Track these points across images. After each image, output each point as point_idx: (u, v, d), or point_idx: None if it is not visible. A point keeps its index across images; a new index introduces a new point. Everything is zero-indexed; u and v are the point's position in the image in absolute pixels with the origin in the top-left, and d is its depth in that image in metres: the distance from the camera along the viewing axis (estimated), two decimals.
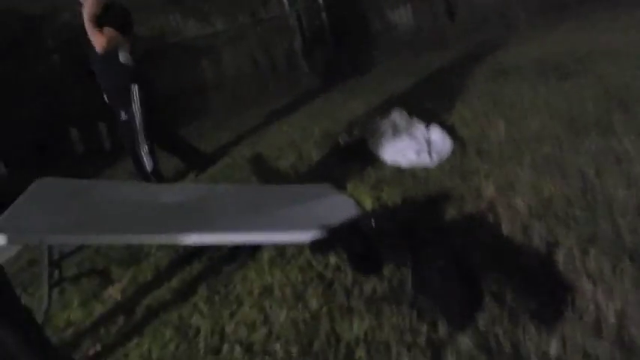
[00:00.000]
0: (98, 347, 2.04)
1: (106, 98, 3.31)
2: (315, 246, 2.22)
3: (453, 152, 2.98)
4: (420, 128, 3.26)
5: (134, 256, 2.69)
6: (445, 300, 1.72)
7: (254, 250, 2.38)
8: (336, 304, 1.89)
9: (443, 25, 6.39)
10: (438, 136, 3.13)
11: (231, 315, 2.00)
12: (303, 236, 2.25)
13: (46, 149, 5.08)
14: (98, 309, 2.30)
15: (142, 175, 3.36)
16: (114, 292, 2.41)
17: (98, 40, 2.94)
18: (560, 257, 1.82)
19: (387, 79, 5.29)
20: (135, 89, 3.16)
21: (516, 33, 5.48)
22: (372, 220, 2.19)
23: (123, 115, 3.22)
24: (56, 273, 2.45)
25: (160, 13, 6.14)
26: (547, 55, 4.56)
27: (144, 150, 3.28)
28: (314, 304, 1.92)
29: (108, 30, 2.97)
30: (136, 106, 3.18)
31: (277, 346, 1.74)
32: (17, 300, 1.78)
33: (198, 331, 1.96)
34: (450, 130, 3.25)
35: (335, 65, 6.25)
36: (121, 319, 2.18)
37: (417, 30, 6.48)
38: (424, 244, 2.02)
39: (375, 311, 1.79)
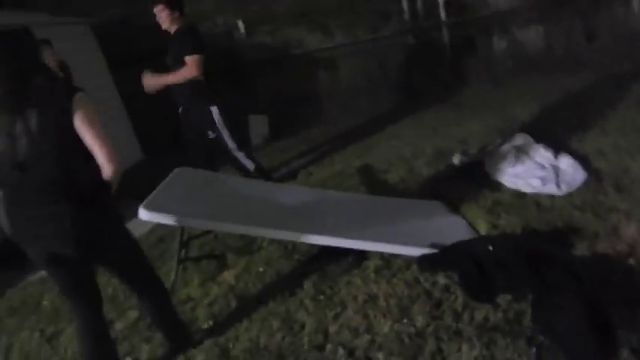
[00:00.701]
0: (211, 323, 2.23)
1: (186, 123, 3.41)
2: (424, 262, 2.19)
3: (586, 185, 2.71)
4: (547, 155, 3.03)
5: (248, 246, 2.89)
6: (573, 344, 1.57)
7: (361, 257, 2.41)
8: (444, 325, 1.83)
9: (578, 46, 5.86)
10: (568, 164, 2.88)
11: (335, 317, 2.04)
12: (414, 250, 2.25)
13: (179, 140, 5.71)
14: (214, 290, 2.52)
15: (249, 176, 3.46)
16: (229, 277, 2.62)
17: (185, 73, 3.06)
18: None
19: (510, 99, 4.99)
20: (215, 110, 3.23)
21: None
22: (489, 245, 2.08)
23: (211, 134, 3.30)
24: (183, 252, 2.74)
25: (286, 26, 6.56)
26: None
27: (241, 157, 3.39)
28: (420, 320, 1.88)
29: (191, 58, 3.03)
30: (220, 125, 3.25)
31: (380, 356, 1.74)
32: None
33: (303, 326, 2.04)
34: (582, 160, 2.96)
35: (452, 83, 6.08)
36: (233, 303, 2.35)
37: (547, 50, 6.03)
38: (549, 278, 1.86)
39: (486, 340, 1.70)
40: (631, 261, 1.96)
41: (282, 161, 4.67)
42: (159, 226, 3.49)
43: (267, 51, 6.42)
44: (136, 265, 1.92)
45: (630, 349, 1.52)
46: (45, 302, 2.78)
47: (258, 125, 5.90)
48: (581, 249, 2.12)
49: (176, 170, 2.78)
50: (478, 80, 6.03)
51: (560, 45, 6.00)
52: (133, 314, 2.42)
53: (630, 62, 5.22)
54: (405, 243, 2.28)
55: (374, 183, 3.57)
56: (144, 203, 2.22)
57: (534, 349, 1.60)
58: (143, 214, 2.19)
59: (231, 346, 2.03)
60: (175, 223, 2.27)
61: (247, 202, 2.68)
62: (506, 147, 3.24)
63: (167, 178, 2.65)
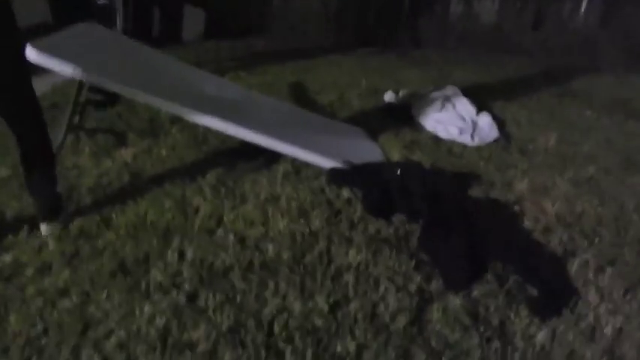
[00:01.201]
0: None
1: None
2: (333, 175, 2.18)
3: (496, 143, 2.88)
4: (469, 109, 3.15)
5: (154, 130, 2.69)
6: (447, 261, 1.68)
7: (272, 160, 2.35)
8: (338, 231, 1.85)
9: (525, 30, 6.08)
10: (485, 122, 3.02)
11: (233, 208, 1.98)
12: (325, 162, 2.23)
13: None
14: (107, 164, 2.31)
15: None
16: (125, 154, 2.41)
17: None
18: (574, 266, 1.75)
19: (451, 61, 5.10)
20: None
21: (601, 66, 5.18)
22: (398, 170, 2.13)
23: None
24: (77, 118, 2.45)
25: None
26: (620, 93, 4.32)
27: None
28: (316, 224, 1.89)
29: None
30: None
31: (270, 247, 1.73)
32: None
33: (197, 210, 1.95)
34: (499, 123, 3.12)
35: (405, 35, 6.02)
36: (125, 178, 2.18)
37: (497, 27, 6.18)
38: (442, 209, 1.96)
39: (373, 249, 1.75)
40: (516, 208, 2.12)
41: (211, 59, 4.36)
42: (54, 92, 3.12)
43: None
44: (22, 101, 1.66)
45: (495, 274, 1.66)
46: None
47: (193, 18, 5.39)
48: (476, 192, 2.25)
49: (82, 24, 2.42)
50: (427, 37, 6.05)
51: (509, 24, 6.16)
52: (5, 171, 2.15)
53: (565, 56, 5.56)
54: (319, 153, 2.25)
55: (302, 100, 3.47)
56: (35, 42, 1.88)
57: (414, 261, 1.67)
58: (32, 54, 1.84)
59: (114, 216, 1.88)
60: (70, 74, 1.95)
61: (162, 76, 2.44)
62: (435, 94, 3.31)
63: (69, 28, 2.30)
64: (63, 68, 1.88)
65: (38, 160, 1.75)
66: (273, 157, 2.33)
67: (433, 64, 4.99)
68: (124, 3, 4.87)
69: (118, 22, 4.88)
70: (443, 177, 2.32)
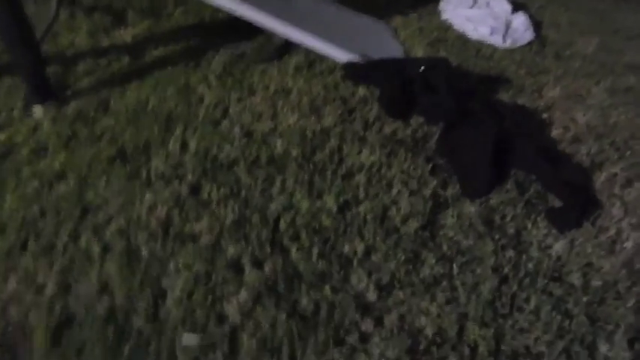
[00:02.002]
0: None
1: None
2: (350, 70, 2.00)
3: (530, 45, 2.60)
4: (504, 7, 2.81)
5: (156, 10, 2.44)
6: (466, 166, 1.57)
7: (284, 50, 2.14)
8: (351, 129, 1.73)
9: None
10: (521, 22, 2.71)
11: (240, 99, 1.84)
12: (341, 55, 2.03)
13: None
14: (104, 43, 2.12)
15: None
16: (125, 34, 2.21)
17: None
18: (601, 178, 1.64)
19: None
20: None
21: None
22: (422, 67, 1.93)
23: None
24: None
25: None
26: None
27: None
28: (329, 121, 1.75)
29: None
30: None
31: (278, 142, 1.62)
32: None
33: (201, 99, 1.81)
34: (536, 25, 2.80)
35: None
36: (125, 60, 2.01)
37: None
38: (466, 110, 1.80)
39: (388, 150, 1.64)
40: (545, 117, 1.96)
41: None
42: None
43: None
44: None
45: (516, 182, 1.56)
46: None
47: None
48: (504, 97, 2.06)
49: None
50: None
51: None
52: None
53: None
54: (334, 45, 2.03)
55: None
56: None
57: (430, 165, 1.57)
58: None
59: (113, 101, 1.76)
60: None
61: None
62: None
63: None
64: None
65: (18, 37, 1.58)
66: (287, 45, 2.13)
67: None
68: None
69: None
70: (469, 78, 2.12)
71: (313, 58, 2.12)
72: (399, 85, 1.88)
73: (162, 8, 2.45)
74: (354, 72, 1.99)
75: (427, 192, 1.49)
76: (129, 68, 1.96)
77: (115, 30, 2.23)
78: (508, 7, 2.83)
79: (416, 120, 1.81)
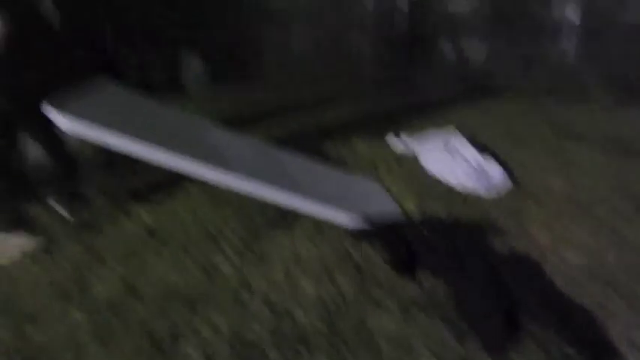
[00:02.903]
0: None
1: None
2: (356, 233, 2.18)
3: (510, 192, 2.90)
4: (473, 153, 3.20)
5: (169, 183, 2.68)
6: (482, 321, 1.66)
7: (287, 212, 2.34)
8: (368, 295, 1.83)
9: (517, 70, 6.27)
10: (496, 171, 3.05)
11: (258, 271, 1.96)
12: (344, 218, 2.22)
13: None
14: (126, 224, 2.29)
15: None
16: (145, 214, 2.40)
17: None
18: (610, 323, 1.73)
19: (447, 103, 5.22)
20: None
21: (590, 100, 5.33)
22: (424, 230, 2.13)
23: None
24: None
25: None
26: (617, 130, 4.42)
27: None
28: (345, 288, 1.87)
29: None
30: None
31: (301, 314, 1.70)
32: None
33: (222, 275, 1.92)
34: (505, 168, 3.16)
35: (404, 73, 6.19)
36: (146, 238, 2.16)
37: (488, 66, 6.38)
38: (466, 262, 1.95)
39: (407, 314, 1.73)
40: (541, 264, 2.12)
41: (212, 109, 4.44)
42: None
43: None
44: None
45: (530, 332, 1.64)
46: None
47: (194, 66, 5.54)
48: (498, 246, 2.24)
49: (98, 77, 2.44)
50: (420, 76, 6.19)
51: (502, 65, 6.36)
52: None
53: (552, 94, 5.69)
54: (338, 210, 2.24)
55: (308, 147, 3.49)
56: (55, 102, 1.88)
57: (446, 323, 1.65)
58: (64, 123, 1.86)
59: (138, 283, 1.85)
60: (96, 139, 1.95)
61: (174, 132, 2.44)
62: (437, 137, 3.37)
63: (85, 83, 2.30)
64: (91, 137, 1.89)
65: None
66: (292, 212, 2.33)
67: (431, 106, 5.08)
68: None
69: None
70: (463, 230, 2.32)
71: (320, 223, 2.32)
72: (404, 245, 2.05)
73: (175, 182, 2.70)
74: (360, 234, 2.17)
75: (449, 353, 1.54)
76: (147, 247, 2.09)
77: (134, 207, 2.42)
78: (477, 153, 3.22)
79: (423, 275, 1.93)
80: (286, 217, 2.34)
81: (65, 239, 2.13)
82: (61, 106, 1.86)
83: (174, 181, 2.74)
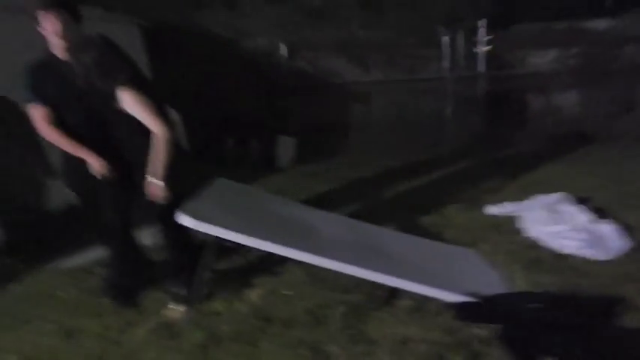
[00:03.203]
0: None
1: None
2: (463, 312, 2.12)
3: (628, 254, 2.65)
4: (588, 218, 2.98)
5: (275, 266, 2.84)
6: None
7: (391, 294, 2.35)
8: None
9: (615, 116, 5.88)
10: (610, 230, 2.82)
11: (366, 353, 1.97)
12: (450, 296, 2.19)
13: (207, 149, 5.75)
14: (238, 307, 2.46)
15: None
16: (254, 296, 2.56)
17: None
18: None
19: (545, 161, 4.99)
20: None
21: None
22: (538, 304, 2.02)
23: None
24: (210, 261, 2.69)
25: (327, 55, 6.72)
26: None
27: None
28: None
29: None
30: None
31: None
32: None
33: (328, 354, 1.97)
34: (628, 230, 2.89)
35: (483, 137, 6.12)
36: (258, 324, 2.29)
37: (584, 117, 6.06)
38: (591, 342, 1.80)
39: None
40: None
41: (305, 186, 4.68)
42: None
43: (306, 77, 6.56)
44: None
45: None
46: (59, 293, 2.72)
47: (286, 146, 5.95)
48: (623, 321, 2.04)
49: (216, 180, 2.77)
50: (512, 137, 6.05)
51: (597, 113, 6.02)
52: None
53: None
54: (441, 287, 2.22)
55: (403, 220, 3.52)
56: (185, 209, 2.21)
57: None
58: (184, 219, 2.17)
59: None
60: (211, 234, 2.23)
61: (283, 221, 2.65)
62: (545, 203, 3.21)
63: (206, 187, 2.64)
64: (207, 231, 2.16)
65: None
66: (393, 288, 2.34)
67: (529, 166, 4.88)
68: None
69: None
70: (581, 303, 2.15)
71: (422, 300, 2.30)
72: (517, 324, 1.95)
73: (279, 264, 2.86)
74: (466, 312, 2.11)
75: None
76: (262, 334, 2.21)
77: (245, 292, 2.60)
78: (589, 216, 3.00)
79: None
80: (388, 295, 2.36)
81: (185, 322, 2.34)
82: (186, 208, 2.18)
83: (280, 262, 2.92)
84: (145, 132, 2.23)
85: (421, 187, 4.36)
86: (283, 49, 6.45)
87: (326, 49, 6.66)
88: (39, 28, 2.11)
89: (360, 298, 2.39)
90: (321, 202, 4.10)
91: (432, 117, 6.46)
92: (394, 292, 2.36)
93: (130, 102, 2.17)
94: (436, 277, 2.35)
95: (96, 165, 2.22)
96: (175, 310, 2.43)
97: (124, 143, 2.30)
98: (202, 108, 5.78)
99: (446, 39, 6.41)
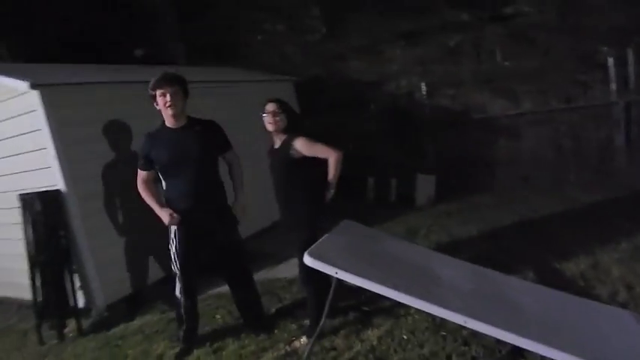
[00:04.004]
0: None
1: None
2: None
3: None
4: None
5: (395, 309, 2.89)
6: None
7: (517, 352, 2.18)
8: None
9: None
10: None
11: None
12: None
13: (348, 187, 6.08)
14: (357, 346, 2.57)
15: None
16: (372, 336, 2.65)
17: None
18: None
19: None
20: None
21: None
22: None
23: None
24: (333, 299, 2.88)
25: (469, 90, 6.53)
26: None
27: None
28: None
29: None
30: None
31: None
32: None
33: None
34: None
35: None
36: (370, 357, 2.37)
37: None
38: None
39: None
40: None
41: (441, 225, 4.58)
42: None
43: (446, 113, 6.48)
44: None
45: None
46: (217, 316, 3.22)
47: (425, 185, 5.91)
48: None
49: (342, 222, 2.98)
50: None
51: None
52: None
53: None
54: (580, 354, 1.94)
55: (546, 272, 3.19)
56: (310, 250, 2.46)
57: None
58: (307, 259, 2.41)
59: None
60: (331, 274, 2.42)
61: (405, 266, 2.69)
62: None
63: (333, 229, 2.86)
64: (328, 271, 2.36)
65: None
66: (515, 348, 2.17)
67: None
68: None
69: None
70: None
71: None
72: None
73: (400, 307, 2.89)
74: None
75: None
76: None
77: (364, 331, 2.71)
78: None
79: None
80: (510, 354, 2.20)
81: (306, 354, 2.55)
82: (311, 249, 2.44)
83: (404, 304, 2.95)
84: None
85: (573, 231, 3.87)
86: (423, 88, 6.53)
87: (467, 84, 6.50)
88: (155, 104, 2.64)
89: (480, 352, 2.28)
90: (453, 243, 4.01)
91: (594, 149, 5.69)
92: (519, 351, 2.18)
93: (305, 146, 2.57)
94: (576, 340, 2.08)
95: (165, 218, 2.63)
96: (301, 342, 2.68)
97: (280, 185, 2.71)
98: (345, 148, 6.18)
99: (611, 60, 5.65)
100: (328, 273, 2.42)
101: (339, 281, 2.59)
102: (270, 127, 2.66)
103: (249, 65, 6.94)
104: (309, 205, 2.66)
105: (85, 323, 3.40)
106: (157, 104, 2.64)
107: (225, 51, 7.41)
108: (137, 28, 7.93)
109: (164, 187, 2.74)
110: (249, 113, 3.76)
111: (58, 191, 3.33)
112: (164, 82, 2.60)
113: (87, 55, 6.01)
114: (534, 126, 6.12)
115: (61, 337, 3.30)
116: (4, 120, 3.56)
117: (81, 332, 3.32)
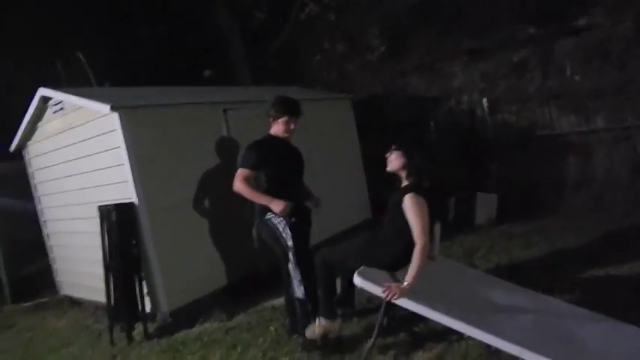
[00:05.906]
0: None
1: None
2: None
3: None
4: None
5: (448, 334, 2.81)
6: None
7: None
8: None
9: None
10: None
11: None
12: None
13: None
14: None
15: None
16: (422, 359, 2.61)
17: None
18: None
19: None
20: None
21: None
22: None
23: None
24: (385, 320, 2.87)
25: (535, 106, 6.23)
26: None
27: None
28: None
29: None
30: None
31: None
32: None
33: None
34: None
35: None
36: None
37: None
38: None
39: None
40: None
41: (500, 248, 4.39)
42: None
43: (509, 130, 6.23)
44: None
45: None
46: (272, 328, 3.32)
47: (486, 204, 5.68)
48: None
49: None
50: None
51: None
52: None
53: None
54: None
55: (617, 304, 2.94)
56: (360, 270, 2.50)
57: None
58: (357, 279, 2.46)
59: None
60: (379, 295, 2.44)
61: (459, 291, 2.64)
62: None
63: None
64: (375, 292, 2.38)
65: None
66: None
67: None
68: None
69: None
70: None
71: None
72: None
73: (455, 332, 2.81)
74: None
75: None
76: None
77: (414, 353, 2.67)
78: None
79: None
80: None
81: None
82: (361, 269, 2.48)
83: (451, 329, 2.89)
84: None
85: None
86: (485, 104, 6.33)
87: (533, 100, 6.21)
88: (272, 120, 3.07)
89: None
90: (514, 267, 3.83)
91: None
92: None
93: (407, 207, 2.59)
94: None
95: (279, 207, 2.85)
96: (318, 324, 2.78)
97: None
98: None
99: None
100: (373, 292, 2.44)
101: (394, 306, 2.59)
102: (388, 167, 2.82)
103: (307, 84, 7.15)
104: (396, 257, 2.65)
105: (151, 327, 3.65)
106: (276, 123, 3.05)
107: (286, 70, 7.71)
108: (209, 50, 8.47)
109: (266, 188, 3.01)
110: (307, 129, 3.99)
111: (132, 204, 3.63)
112: (297, 115, 3.06)
113: (162, 75, 6.54)
114: (608, 144, 5.70)
115: (130, 339, 3.56)
116: (88, 139, 3.96)
117: (147, 336, 3.57)
